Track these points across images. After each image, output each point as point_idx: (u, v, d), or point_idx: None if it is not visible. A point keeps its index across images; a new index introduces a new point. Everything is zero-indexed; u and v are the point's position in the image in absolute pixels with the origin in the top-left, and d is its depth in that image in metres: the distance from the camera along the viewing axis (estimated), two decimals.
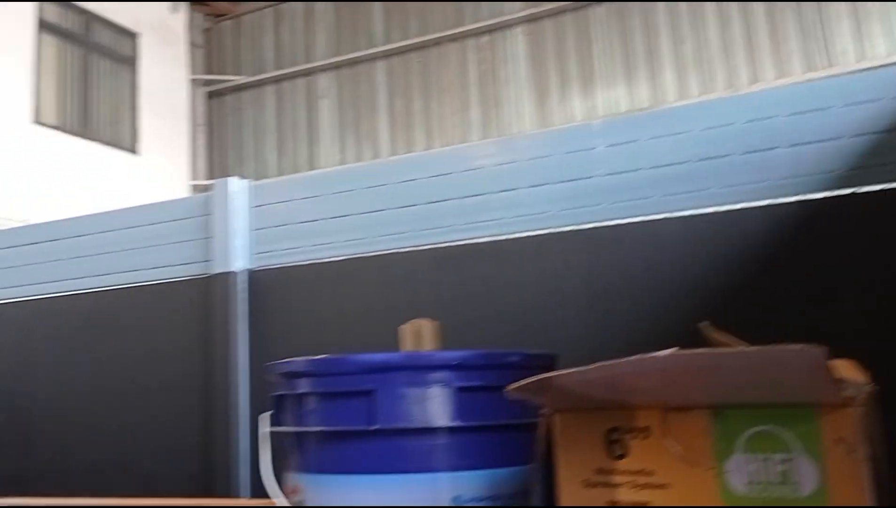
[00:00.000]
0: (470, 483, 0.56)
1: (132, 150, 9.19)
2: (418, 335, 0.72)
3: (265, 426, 0.65)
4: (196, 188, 9.29)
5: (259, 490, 1.65)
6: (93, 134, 8.77)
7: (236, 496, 2.73)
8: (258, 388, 2.80)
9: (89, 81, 8.76)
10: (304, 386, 0.66)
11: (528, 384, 0.45)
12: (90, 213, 3.40)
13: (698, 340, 1.22)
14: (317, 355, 0.81)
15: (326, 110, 9.97)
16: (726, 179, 2.31)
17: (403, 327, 0.74)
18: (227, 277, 2.96)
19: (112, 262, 3.25)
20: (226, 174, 2.84)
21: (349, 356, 0.62)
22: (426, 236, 2.70)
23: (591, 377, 0.43)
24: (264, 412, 2.57)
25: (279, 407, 0.72)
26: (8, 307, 3.46)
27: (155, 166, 9.20)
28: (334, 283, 2.85)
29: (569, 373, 0.44)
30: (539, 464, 0.47)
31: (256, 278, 2.96)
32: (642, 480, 0.44)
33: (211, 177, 9.35)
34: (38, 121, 8.15)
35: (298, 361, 0.65)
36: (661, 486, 0.43)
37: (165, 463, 2.82)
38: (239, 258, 2.98)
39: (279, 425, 0.80)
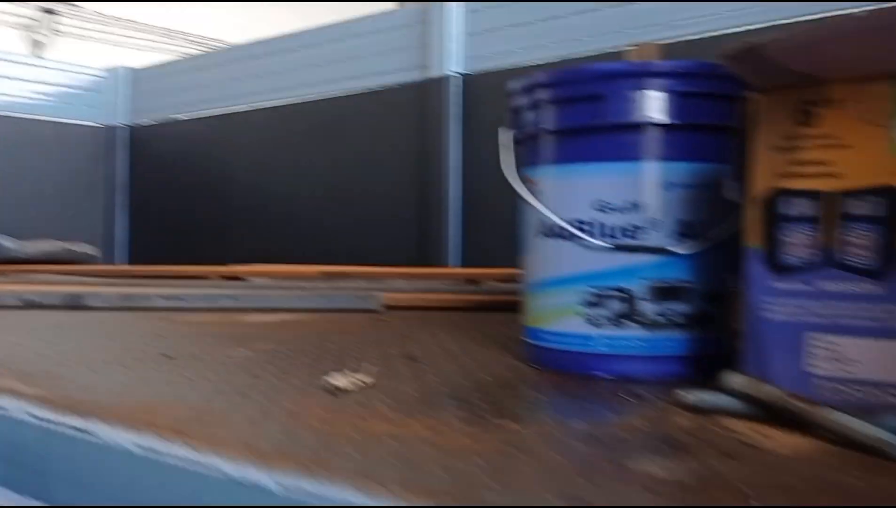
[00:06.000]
0: (677, 172, 0.73)
1: None
2: (642, 56, 0.87)
3: (504, 137, 0.84)
4: None
5: None
6: None
7: None
8: (468, 184, 3.13)
9: None
10: (542, 95, 0.83)
11: (736, 49, 0.59)
12: (318, 26, 3.76)
13: None
14: None
15: None
16: None
17: (629, 49, 0.90)
18: (441, 81, 3.24)
19: (339, 70, 3.62)
20: None
21: (585, 66, 0.80)
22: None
23: (791, 43, 0.57)
24: (474, 203, 2.86)
25: (514, 120, 0.90)
26: (252, 114, 3.96)
27: None
28: None
29: (772, 40, 0.58)
30: (736, 153, 0.62)
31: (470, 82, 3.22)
32: (828, 142, 0.57)
33: None
34: None
35: (540, 74, 0.82)
36: (843, 147, 0.56)
37: (384, 253, 3.22)
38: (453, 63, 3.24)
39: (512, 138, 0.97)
